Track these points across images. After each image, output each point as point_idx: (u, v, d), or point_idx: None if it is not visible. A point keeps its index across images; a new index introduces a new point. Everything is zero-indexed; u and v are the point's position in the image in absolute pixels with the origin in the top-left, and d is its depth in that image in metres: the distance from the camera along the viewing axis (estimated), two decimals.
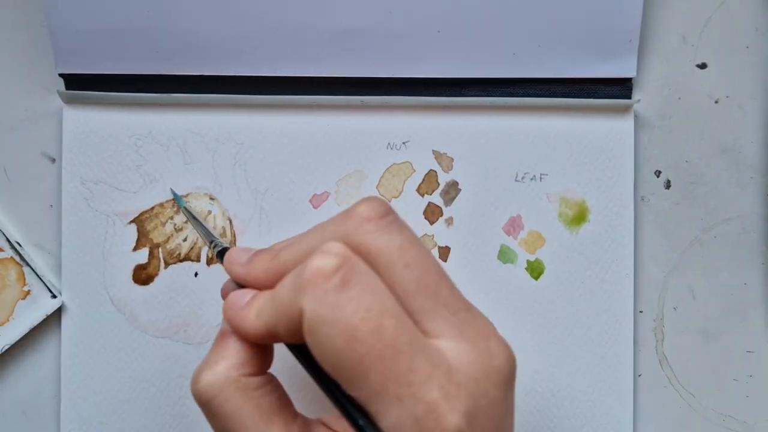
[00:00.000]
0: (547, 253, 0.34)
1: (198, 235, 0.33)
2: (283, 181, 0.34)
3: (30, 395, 0.34)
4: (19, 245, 0.33)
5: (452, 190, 0.34)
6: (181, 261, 0.33)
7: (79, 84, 0.33)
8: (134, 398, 0.33)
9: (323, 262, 0.22)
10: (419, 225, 0.34)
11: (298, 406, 0.26)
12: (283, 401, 0.24)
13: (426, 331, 0.22)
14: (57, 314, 0.33)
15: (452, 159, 0.34)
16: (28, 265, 0.33)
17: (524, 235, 0.34)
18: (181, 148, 0.34)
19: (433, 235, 0.34)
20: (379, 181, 0.34)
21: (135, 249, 0.33)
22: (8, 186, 0.34)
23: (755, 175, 0.34)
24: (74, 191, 0.33)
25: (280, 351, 0.26)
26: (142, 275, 0.33)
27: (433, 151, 0.34)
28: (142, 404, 0.33)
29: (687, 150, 0.34)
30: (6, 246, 0.33)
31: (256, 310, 0.24)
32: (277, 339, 0.24)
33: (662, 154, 0.34)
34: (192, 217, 0.32)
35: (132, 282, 0.33)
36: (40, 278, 0.33)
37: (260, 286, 0.25)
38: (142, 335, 0.33)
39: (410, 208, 0.34)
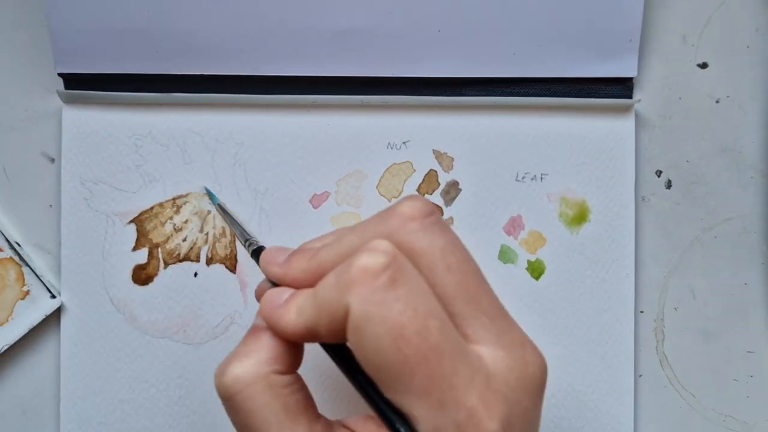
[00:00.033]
0: (548, 253, 0.34)
1: (233, 232, 0.33)
2: (283, 181, 0.34)
3: (29, 395, 0.34)
4: (19, 245, 0.33)
5: (452, 190, 0.34)
6: (180, 261, 0.33)
7: (78, 84, 0.33)
8: (134, 398, 0.33)
9: (371, 259, 0.21)
10: None
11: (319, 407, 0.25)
12: (308, 401, 0.24)
13: (465, 336, 0.22)
14: (56, 314, 0.33)
15: (452, 159, 0.34)
16: (27, 265, 0.33)
17: (525, 235, 0.34)
18: (180, 147, 0.34)
19: None
20: (379, 181, 0.34)
21: (134, 249, 0.33)
22: (8, 186, 0.34)
23: (756, 174, 0.34)
24: (74, 191, 0.33)
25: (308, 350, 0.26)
26: (142, 275, 0.33)
27: (434, 151, 0.34)
28: (141, 404, 0.33)
29: (687, 150, 0.34)
30: (5, 246, 0.33)
31: (295, 308, 0.23)
32: (316, 338, 0.23)
33: (663, 153, 0.34)
34: (226, 215, 0.32)
35: (131, 282, 0.33)
36: (40, 278, 0.33)
37: (298, 286, 0.24)
38: (141, 335, 0.33)
39: None
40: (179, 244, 0.33)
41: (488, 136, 0.34)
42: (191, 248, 0.33)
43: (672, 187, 0.34)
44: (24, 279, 0.33)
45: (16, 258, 0.33)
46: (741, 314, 0.34)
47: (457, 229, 0.34)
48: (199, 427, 0.33)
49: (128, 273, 0.33)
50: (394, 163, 0.34)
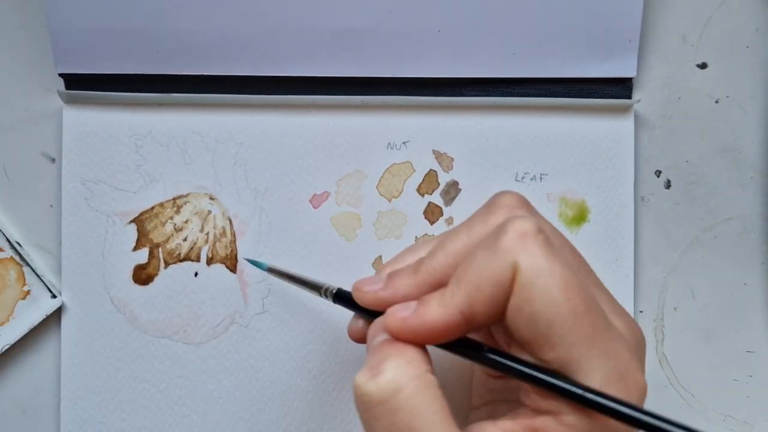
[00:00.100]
0: None
1: (302, 288, 0.31)
2: (283, 181, 0.34)
3: (30, 395, 0.34)
4: (19, 245, 0.33)
5: (452, 190, 0.34)
6: (181, 261, 0.33)
7: (79, 84, 0.33)
8: (134, 398, 0.33)
9: (524, 224, 0.22)
10: (419, 225, 0.34)
11: None
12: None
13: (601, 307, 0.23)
14: (57, 314, 0.33)
15: (452, 159, 0.34)
16: (28, 265, 0.33)
17: None
18: (181, 148, 0.34)
19: (433, 235, 0.34)
20: (379, 181, 0.34)
21: (135, 249, 0.33)
22: (8, 186, 0.34)
23: (755, 174, 0.34)
24: (74, 191, 0.33)
25: None
26: (142, 275, 0.33)
27: (433, 151, 0.34)
28: (142, 404, 0.33)
29: (687, 150, 0.34)
30: (6, 246, 0.33)
31: (437, 302, 0.23)
32: (469, 321, 0.23)
33: (662, 154, 0.34)
34: (287, 276, 0.31)
35: (132, 282, 0.33)
36: (40, 278, 0.33)
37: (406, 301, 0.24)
38: (142, 335, 0.33)
39: (410, 208, 0.34)
40: (180, 244, 0.34)
41: (488, 136, 0.34)
42: (192, 248, 0.34)
43: (671, 187, 0.34)
44: (24, 279, 0.33)
45: (17, 258, 0.33)
46: (741, 314, 0.34)
47: None
48: (199, 427, 0.33)
49: (129, 273, 0.33)
50: (394, 163, 0.34)
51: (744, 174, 0.34)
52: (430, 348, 0.24)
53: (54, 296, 0.33)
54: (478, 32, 0.33)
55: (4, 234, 0.33)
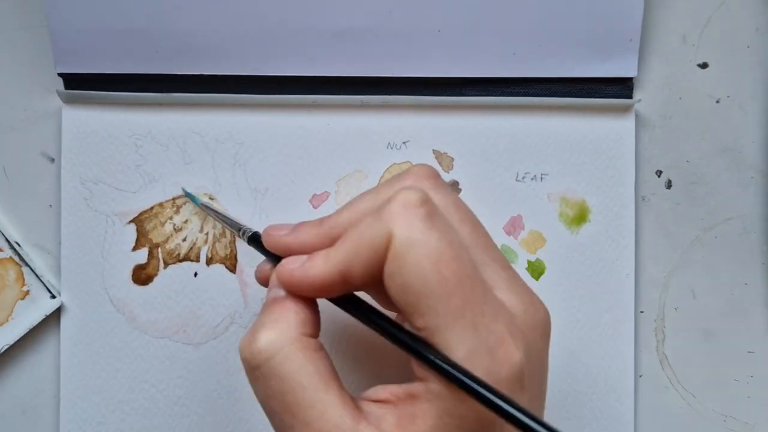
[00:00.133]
0: (548, 253, 0.34)
1: (224, 227, 0.33)
2: (283, 181, 0.34)
3: (29, 395, 0.34)
4: (19, 245, 0.33)
5: (452, 190, 0.34)
6: (180, 261, 0.33)
7: (78, 84, 0.33)
8: (134, 398, 0.33)
9: (410, 195, 0.23)
10: None
11: None
12: (334, 368, 0.24)
13: (482, 281, 0.24)
14: (56, 314, 0.33)
15: (452, 159, 0.34)
16: (27, 265, 0.33)
17: (525, 235, 0.34)
18: (180, 148, 0.34)
19: None
20: (379, 181, 0.34)
21: (134, 249, 0.33)
22: (7, 186, 0.34)
23: (756, 174, 0.34)
24: (74, 191, 0.33)
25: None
26: (142, 275, 0.33)
27: (433, 151, 0.34)
28: (141, 404, 0.33)
29: (688, 150, 0.34)
30: (5, 246, 0.33)
31: (322, 258, 0.24)
32: (346, 280, 0.24)
33: (663, 153, 0.34)
34: (213, 212, 0.33)
35: (131, 282, 0.33)
36: (40, 278, 0.33)
37: (308, 251, 0.25)
38: (141, 335, 0.33)
39: None
40: (179, 244, 0.33)
41: (488, 136, 0.34)
42: (191, 248, 0.33)
43: (672, 187, 0.34)
44: (24, 279, 0.33)
45: (16, 258, 0.33)
46: (741, 314, 0.34)
47: None
48: (199, 427, 0.33)
49: (128, 273, 0.33)
50: (394, 163, 0.34)
51: (744, 174, 0.34)
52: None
53: (53, 296, 0.33)
54: (478, 32, 0.33)
55: (3, 234, 0.33)
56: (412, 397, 0.23)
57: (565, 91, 0.34)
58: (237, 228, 0.31)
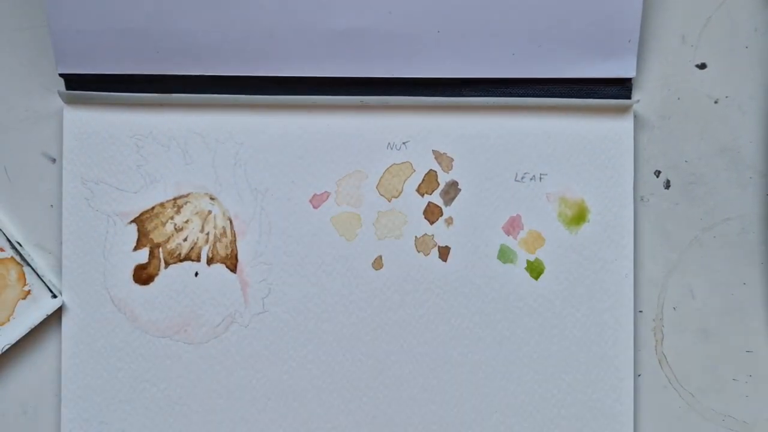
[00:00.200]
0: (547, 253, 0.34)
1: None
2: (283, 181, 0.34)
3: (31, 395, 0.34)
4: (20, 245, 0.33)
5: (452, 190, 0.34)
6: (181, 261, 0.34)
7: (79, 84, 0.33)
8: (135, 397, 0.33)
9: None
10: (419, 225, 0.34)
11: None
12: None
13: None
14: (57, 314, 0.33)
15: (452, 159, 0.34)
16: (28, 265, 0.33)
17: (524, 235, 0.34)
18: (181, 148, 0.34)
19: (432, 235, 0.34)
20: (379, 181, 0.34)
21: (135, 249, 0.34)
22: (9, 186, 0.34)
23: (754, 175, 0.34)
24: (75, 191, 0.33)
25: None
26: (143, 275, 0.33)
27: (433, 151, 0.34)
28: (142, 403, 0.33)
29: (686, 150, 0.34)
30: (6, 246, 0.33)
31: None
32: None
33: (662, 154, 0.34)
34: None
35: (132, 282, 0.33)
36: (41, 278, 0.33)
37: None
38: (142, 335, 0.33)
39: (410, 208, 0.34)
40: (180, 244, 0.34)
41: (488, 136, 0.34)
42: (192, 248, 0.34)
43: (671, 187, 0.34)
44: (25, 279, 0.33)
45: (18, 258, 0.33)
46: (740, 314, 0.34)
47: (456, 228, 0.34)
48: (199, 427, 0.33)
49: (129, 273, 0.33)
50: (394, 164, 0.34)
51: (743, 174, 0.34)
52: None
53: (54, 296, 0.33)
54: (477, 33, 0.33)
55: (4, 234, 0.33)
56: None
57: (564, 91, 0.34)
58: None
